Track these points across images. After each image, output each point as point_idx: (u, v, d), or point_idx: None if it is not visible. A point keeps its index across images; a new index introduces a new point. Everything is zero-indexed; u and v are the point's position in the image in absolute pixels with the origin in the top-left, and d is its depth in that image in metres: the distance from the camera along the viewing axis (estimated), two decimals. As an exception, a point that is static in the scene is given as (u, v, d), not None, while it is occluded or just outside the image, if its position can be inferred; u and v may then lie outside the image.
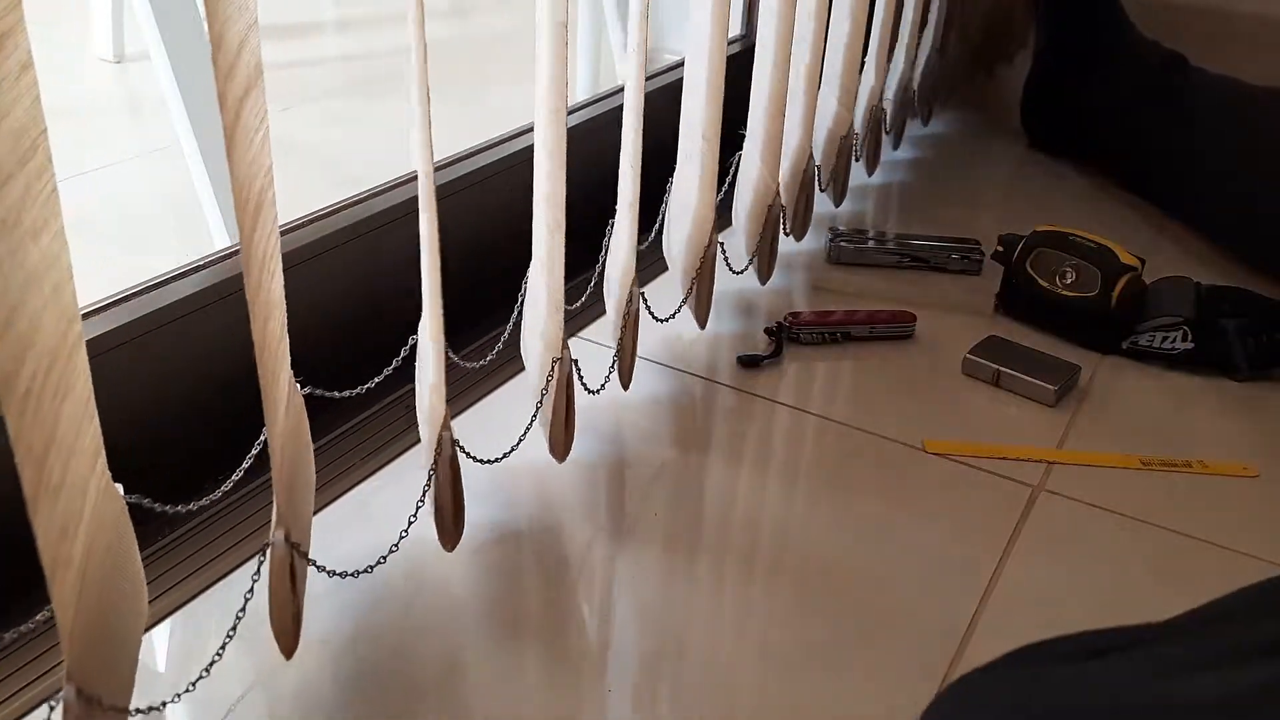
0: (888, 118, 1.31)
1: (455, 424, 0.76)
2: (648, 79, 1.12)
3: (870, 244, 1.10)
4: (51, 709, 0.45)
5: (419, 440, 0.80)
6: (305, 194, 0.93)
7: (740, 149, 1.01)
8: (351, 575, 0.66)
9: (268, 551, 0.55)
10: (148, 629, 0.63)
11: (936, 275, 1.09)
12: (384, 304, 0.85)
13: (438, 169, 0.89)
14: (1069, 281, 0.98)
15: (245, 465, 0.63)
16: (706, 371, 0.91)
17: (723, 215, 1.08)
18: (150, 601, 0.64)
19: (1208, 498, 0.79)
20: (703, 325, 0.95)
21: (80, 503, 0.46)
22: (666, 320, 0.94)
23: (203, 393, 0.73)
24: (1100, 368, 0.95)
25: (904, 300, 1.03)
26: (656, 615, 0.66)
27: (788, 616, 0.67)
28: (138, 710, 0.53)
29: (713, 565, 0.70)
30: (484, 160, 0.92)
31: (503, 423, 0.81)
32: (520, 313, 0.78)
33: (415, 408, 0.74)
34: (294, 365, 0.59)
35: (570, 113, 1.04)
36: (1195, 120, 1.21)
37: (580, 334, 0.94)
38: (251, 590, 0.58)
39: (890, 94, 1.32)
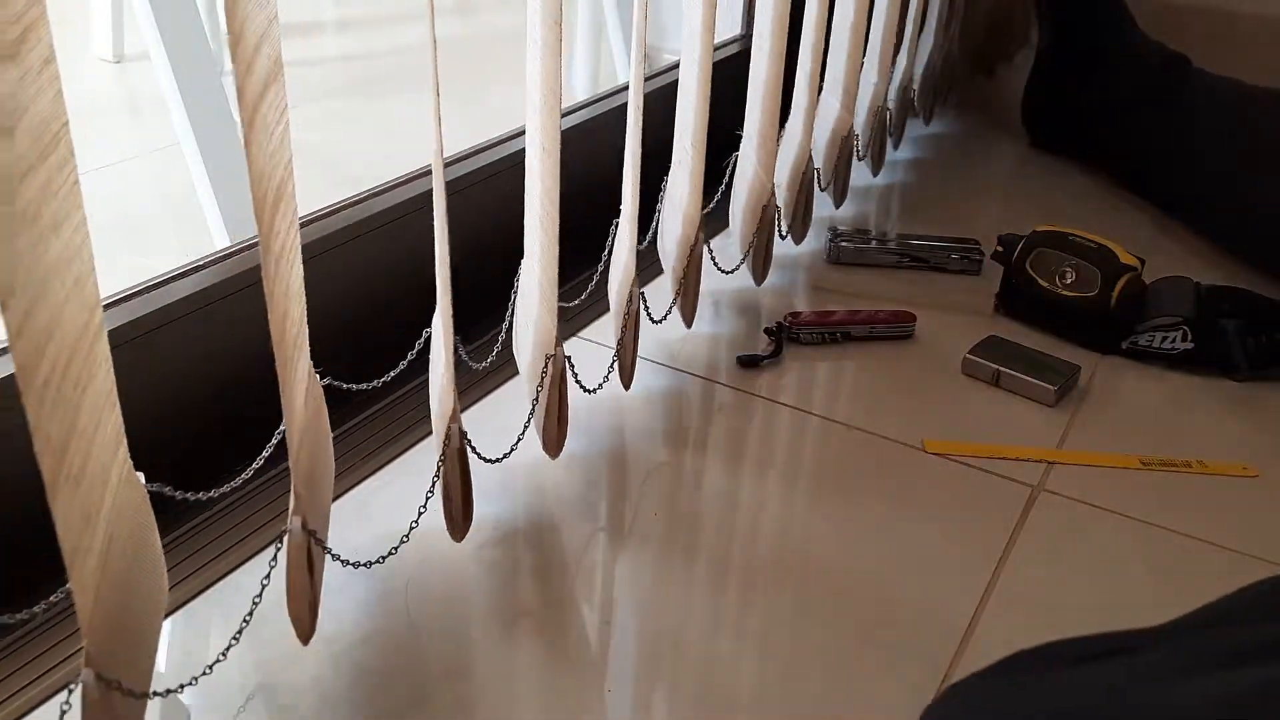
0: (891, 118, 1.31)
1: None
2: (647, 79, 1.12)
3: (870, 244, 1.10)
4: (70, 692, 0.45)
5: (420, 439, 0.80)
6: (305, 194, 0.93)
7: (739, 149, 1.01)
8: (364, 565, 0.67)
9: (284, 539, 0.56)
10: (167, 615, 0.63)
11: (936, 275, 1.09)
12: (385, 303, 0.85)
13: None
14: (1069, 281, 0.98)
15: (265, 453, 0.64)
16: (706, 371, 0.91)
17: (723, 216, 1.08)
18: (170, 588, 0.65)
19: (1208, 498, 0.79)
20: (689, 324, 0.95)
21: (101, 491, 0.47)
22: (660, 321, 0.94)
23: (222, 383, 0.73)
24: (1100, 368, 0.95)
25: (904, 300, 1.03)
26: (657, 615, 0.66)
27: (787, 616, 0.67)
28: (155, 694, 0.53)
29: (713, 565, 0.70)
30: (485, 160, 0.93)
31: (503, 423, 0.81)
32: (513, 310, 0.78)
33: (427, 401, 0.74)
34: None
35: (570, 113, 1.04)
36: (1196, 120, 1.21)
37: (580, 334, 0.94)
38: (268, 577, 0.58)
39: (892, 94, 1.32)
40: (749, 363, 0.92)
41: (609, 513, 0.74)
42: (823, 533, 0.74)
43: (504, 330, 0.81)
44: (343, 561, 0.66)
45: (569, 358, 0.76)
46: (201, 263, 0.73)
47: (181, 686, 0.58)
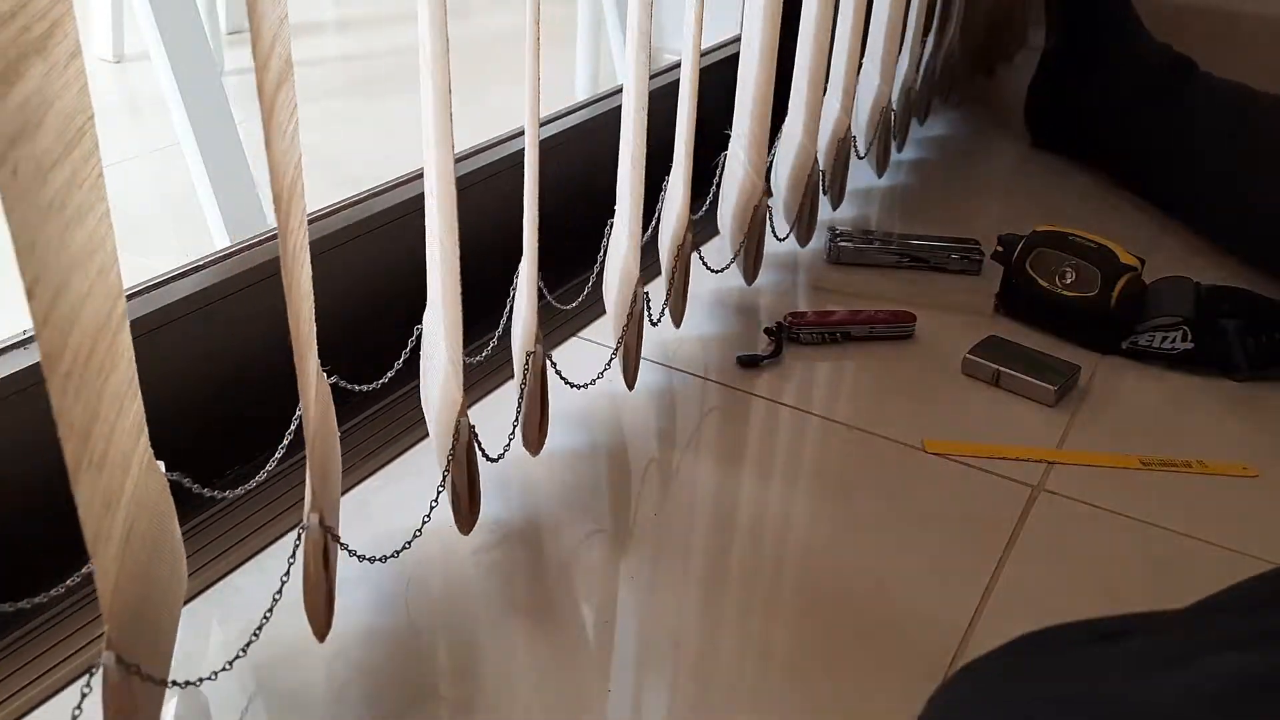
0: (895, 119, 1.31)
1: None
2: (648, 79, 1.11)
3: (870, 244, 1.10)
4: (91, 675, 0.46)
5: (419, 440, 0.80)
6: (306, 193, 0.93)
7: (728, 149, 1.01)
8: (379, 560, 0.67)
9: (301, 535, 0.56)
10: (185, 602, 0.64)
11: (936, 275, 1.09)
12: (385, 303, 0.85)
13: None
14: (1069, 281, 0.98)
15: (282, 448, 0.64)
16: (706, 371, 0.91)
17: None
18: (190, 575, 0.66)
19: (1208, 498, 0.79)
20: (677, 324, 0.94)
21: (123, 478, 0.47)
22: (658, 323, 0.94)
23: (222, 384, 0.73)
24: (1100, 368, 0.95)
25: (904, 300, 1.03)
26: (657, 614, 0.66)
27: (788, 616, 0.67)
28: (174, 683, 0.53)
29: (713, 564, 0.70)
30: (485, 160, 0.93)
31: (503, 423, 0.81)
32: (510, 309, 0.79)
33: (423, 400, 0.74)
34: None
35: (570, 113, 1.04)
36: (1196, 121, 1.21)
37: (580, 334, 0.94)
38: (288, 573, 0.58)
39: (894, 95, 1.32)
40: (749, 363, 0.92)
41: (609, 512, 0.74)
42: (823, 532, 0.74)
43: (501, 329, 0.81)
44: (359, 557, 0.66)
45: (549, 355, 0.76)
46: (201, 263, 0.73)
47: (200, 680, 0.58)
